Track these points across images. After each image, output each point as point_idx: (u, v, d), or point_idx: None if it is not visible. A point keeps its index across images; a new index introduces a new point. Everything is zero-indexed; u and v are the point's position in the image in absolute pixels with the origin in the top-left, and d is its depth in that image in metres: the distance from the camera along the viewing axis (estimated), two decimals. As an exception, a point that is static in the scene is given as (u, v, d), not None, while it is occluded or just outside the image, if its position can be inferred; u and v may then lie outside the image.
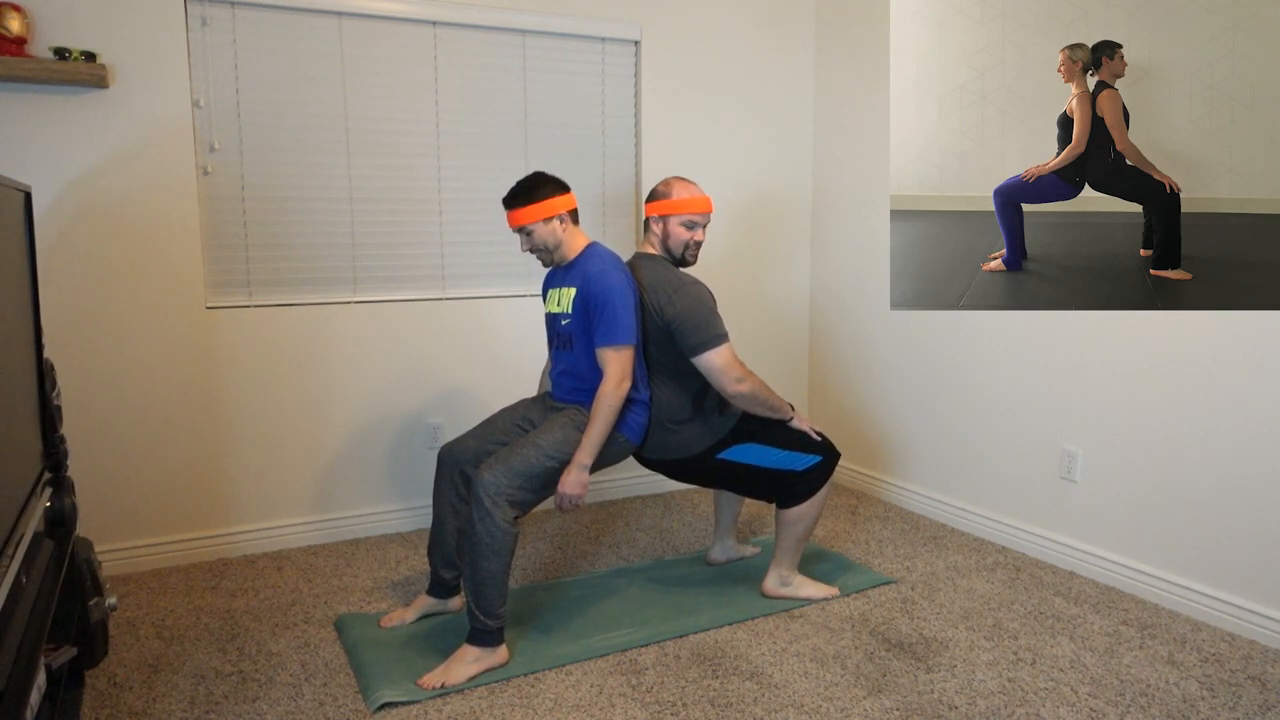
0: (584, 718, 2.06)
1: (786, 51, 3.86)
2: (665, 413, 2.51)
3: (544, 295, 2.63)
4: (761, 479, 2.57)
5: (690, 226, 2.54)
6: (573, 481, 2.32)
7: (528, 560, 3.05)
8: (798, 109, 3.93)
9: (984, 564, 2.99)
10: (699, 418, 2.53)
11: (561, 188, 2.41)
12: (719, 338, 2.40)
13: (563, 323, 2.47)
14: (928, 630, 2.50)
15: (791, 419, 2.59)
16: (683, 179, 2.57)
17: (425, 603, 2.55)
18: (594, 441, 2.33)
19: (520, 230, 2.41)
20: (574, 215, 2.45)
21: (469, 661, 2.21)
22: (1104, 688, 2.18)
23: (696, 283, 2.47)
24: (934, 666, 2.29)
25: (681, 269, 2.59)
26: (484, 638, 2.23)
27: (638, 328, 2.40)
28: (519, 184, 2.40)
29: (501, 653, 2.26)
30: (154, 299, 2.89)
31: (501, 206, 3.40)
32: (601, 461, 2.42)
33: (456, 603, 2.57)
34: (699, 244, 2.56)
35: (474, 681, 2.19)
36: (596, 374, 2.41)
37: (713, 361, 2.40)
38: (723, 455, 2.54)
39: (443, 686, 2.15)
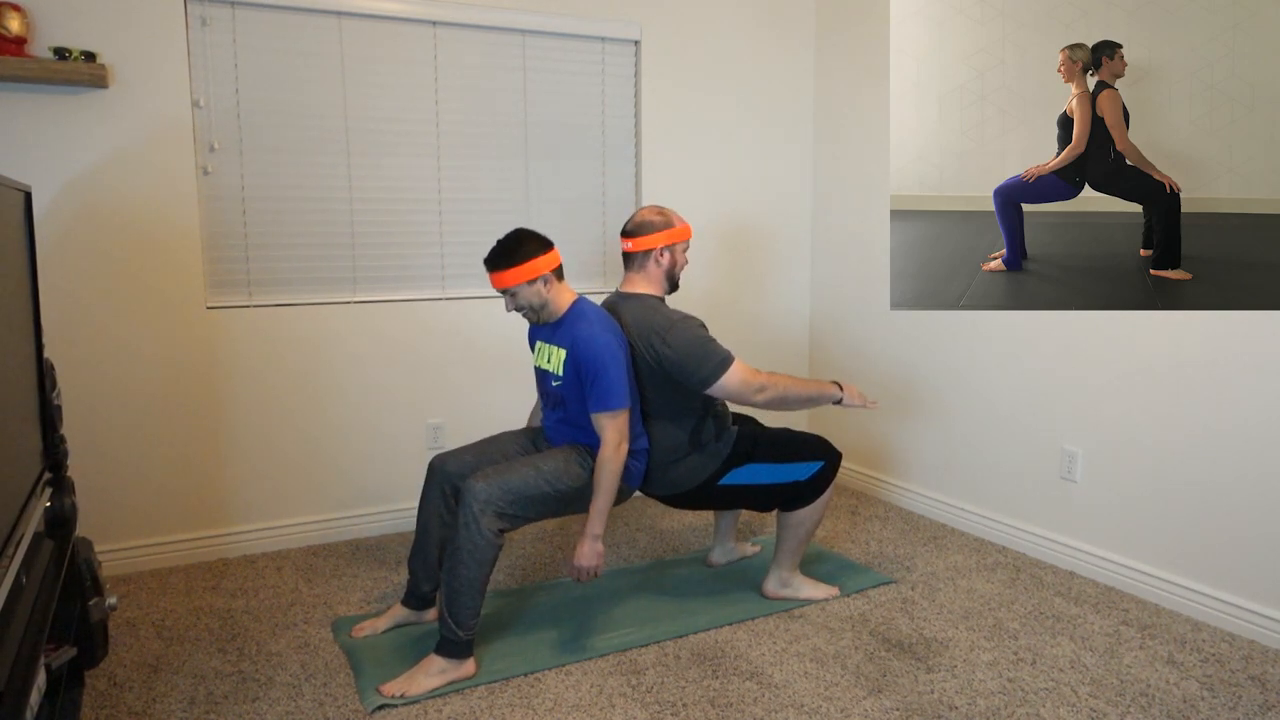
0: (584, 718, 2.06)
1: (786, 51, 3.87)
2: (663, 452, 2.49)
3: (531, 345, 2.59)
4: (768, 494, 2.57)
5: (685, 250, 2.58)
6: (588, 553, 2.29)
7: (528, 560, 3.05)
8: (798, 109, 3.93)
9: (984, 564, 2.99)
10: (696, 451, 2.51)
11: (544, 246, 2.34)
12: (725, 361, 2.37)
13: (553, 384, 2.43)
14: (928, 630, 2.50)
15: (840, 398, 2.50)
16: (662, 207, 2.60)
17: (399, 613, 2.50)
18: (602, 510, 2.30)
19: (504, 292, 2.35)
20: (558, 273, 2.37)
21: (434, 673, 2.18)
22: (1104, 688, 2.18)
23: (686, 317, 2.44)
24: (934, 666, 2.29)
25: (664, 303, 2.55)
26: (453, 649, 2.19)
27: (631, 384, 2.36)
28: (500, 244, 2.32)
29: (468, 665, 2.22)
30: (154, 299, 2.89)
31: (499, 209, 3.41)
32: None
33: (431, 615, 2.52)
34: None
35: (435, 692, 2.16)
36: (590, 431, 2.39)
37: (728, 385, 2.37)
38: (725, 481, 2.52)
39: (402, 696, 2.12)
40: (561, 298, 2.39)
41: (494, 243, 3.36)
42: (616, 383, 2.28)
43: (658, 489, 2.55)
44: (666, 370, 2.40)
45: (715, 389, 2.38)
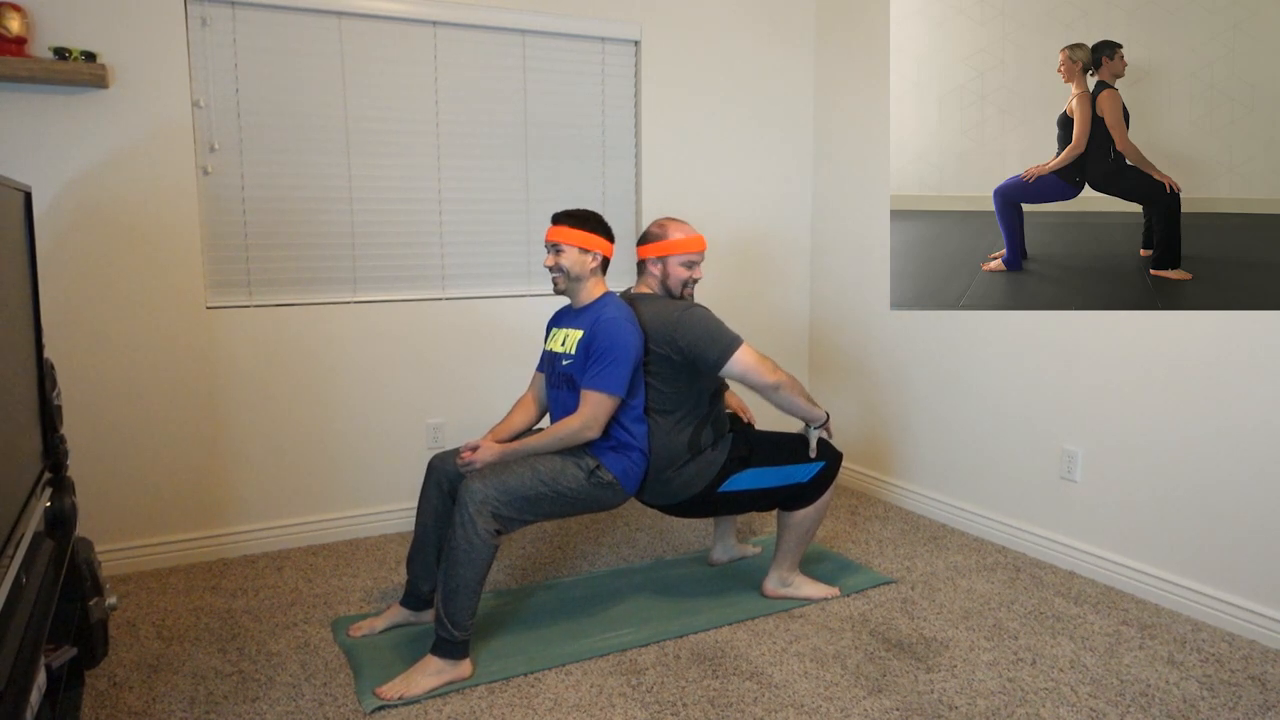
0: (584, 718, 2.06)
1: (787, 51, 3.87)
2: (662, 459, 2.48)
3: (547, 333, 2.62)
4: (770, 497, 2.58)
5: (689, 265, 2.57)
6: (486, 450, 2.34)
7: (528, 560, 3.05)
8: (798, 109, 3.93)
9: (984, 564, 2.99)
10: (694, 458, 2.51)
11: (608, 234, 2.47)
12: (735, 341, 2.44)
13: (564, 363, 2.45)
14: (928, 630, 2.50)
15: (823, 422, 2.58)
16: (675, 219, 2.60)
17: (397, 613, 2.50)
18: (528, 449, 2.35)
19: (553, 247, 2.43)
20: (605, 265, 2.49)
21: (431, 673, 2.18)
22: (1104, 688, 2.19)
23: (695, 305, 2.51)
24: (934, 666, 2.29)
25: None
26: (449, 649, 2.19)
27: (634, 388, 2.40)
28: (576, 209, 2.47)
29: (465, 666, 2.22)
30: (154, 299, 2.89)
31: (499, 209, 3.41)
32: (594, 504, 2.39)
33: (430, 616, 2.52)
34: (696, 281, 2.60)
35: (433, 693, 2.16)
36: None
37: (742, 362, 2.43)
38: (724, 488, 2.52)
39: (400, 698, 2.12)
40: (596, 287, 2.49)
41: (491, 248, 3.41)
42: (620, 371, 2.34)
43: (657, 499, 2.55)
44: (683, 355, 2.44)
45: (729, 367, 2.44)
